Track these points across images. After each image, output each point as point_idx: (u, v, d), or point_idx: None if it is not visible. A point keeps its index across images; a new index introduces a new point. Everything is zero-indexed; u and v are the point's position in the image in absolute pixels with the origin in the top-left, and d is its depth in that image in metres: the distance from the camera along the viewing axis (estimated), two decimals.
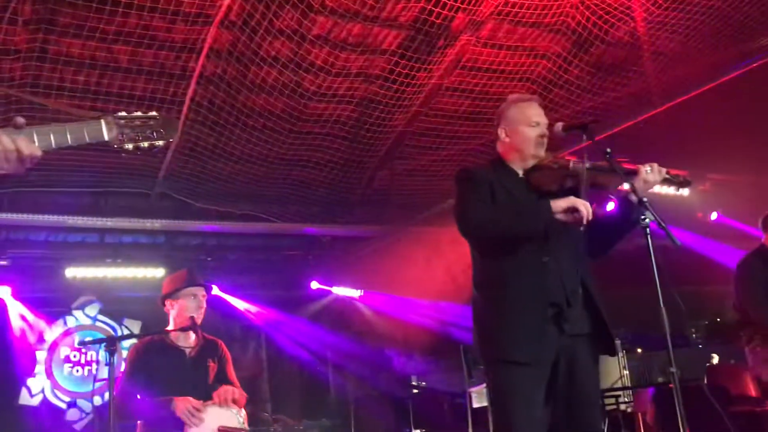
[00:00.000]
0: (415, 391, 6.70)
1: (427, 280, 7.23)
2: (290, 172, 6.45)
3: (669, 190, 2.66)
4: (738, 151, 6.61)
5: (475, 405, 4.96)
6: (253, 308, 7.67)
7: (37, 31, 4.61)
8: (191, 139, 5.75)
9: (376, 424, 6.66)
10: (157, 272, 7.01)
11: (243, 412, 3.34)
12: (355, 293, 7.99)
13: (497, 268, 2.58)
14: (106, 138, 1.82)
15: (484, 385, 4.81)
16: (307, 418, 7.11)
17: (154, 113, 1.89)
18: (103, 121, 1.82)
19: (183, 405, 3.16)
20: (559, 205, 2.47)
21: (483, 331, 2.59)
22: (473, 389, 5.01)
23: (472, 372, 5.21)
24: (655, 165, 2.62)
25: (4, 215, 5.89)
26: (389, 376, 8.07)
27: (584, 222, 2.43)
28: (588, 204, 2.45)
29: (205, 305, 3.58)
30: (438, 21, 5.04)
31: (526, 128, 2.68)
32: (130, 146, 1.85)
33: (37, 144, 1.73)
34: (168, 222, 6.44)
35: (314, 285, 7.95)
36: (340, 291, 8.00)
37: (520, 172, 2.71)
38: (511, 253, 2.54)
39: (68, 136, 1.76)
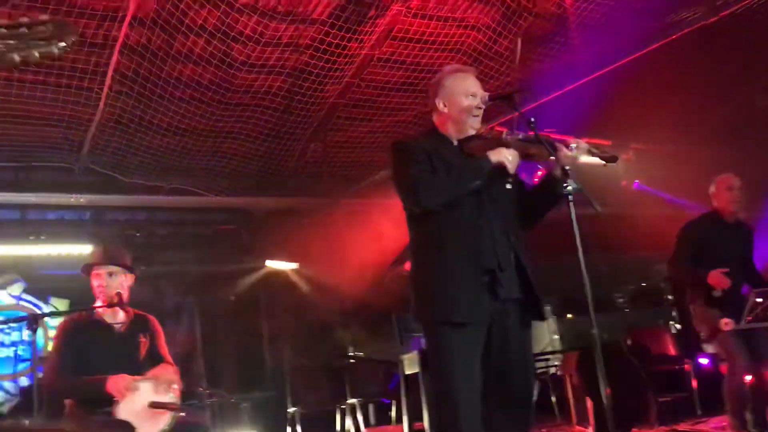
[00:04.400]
0: (352, 360, 6.75)
1: (361, 251, 7.26)
2: (221, 145, 6.34)
3: (594, 160, 2.75)
4: (658, 122, 6.86)
5: (408, 371, 5.04)
6: (185, 283, 7.54)
7: None
8: (116, 111, 5.57)
9: (312, 395, 6.70)
10: (84, 249, 6.78)
11: (174, 387, 3.31)
12: (289, 266, 7.95)
13: (433, 232, 2.64)
14: None
15: (416, 351, 4.90)
16: (242, 392, 7.09)
17: (44, 17, 1.62)
18: None
19: (116, 383, 3.10)
20: (493, 158, 2.62)
21: (420, 294, 2.65)
22: (405, 356, 5.09)
23: (404, 339, 5.29)
24: (581, 141, 2.71)
25: None
26: (326, 348, 8.11)
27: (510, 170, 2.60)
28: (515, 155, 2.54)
29: (124, 283, 3.49)
30: None
31: (464, 99, 2.74)
32: (15, 57, 1.59)
33: None
34: (94, 197, 6.24)
35: (248, 259, 7.86)
36: (275, 264, 7.95)
37: (455, 141, 2.76)
38: (447, 217, 2.60)
39: None
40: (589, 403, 5.07)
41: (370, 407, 6.30)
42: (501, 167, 2.59)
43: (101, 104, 5.38)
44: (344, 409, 6.27)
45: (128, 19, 4.79)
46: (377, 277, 6.88)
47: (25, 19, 1.59)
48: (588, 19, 5.56)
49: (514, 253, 2.64)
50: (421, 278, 2.66)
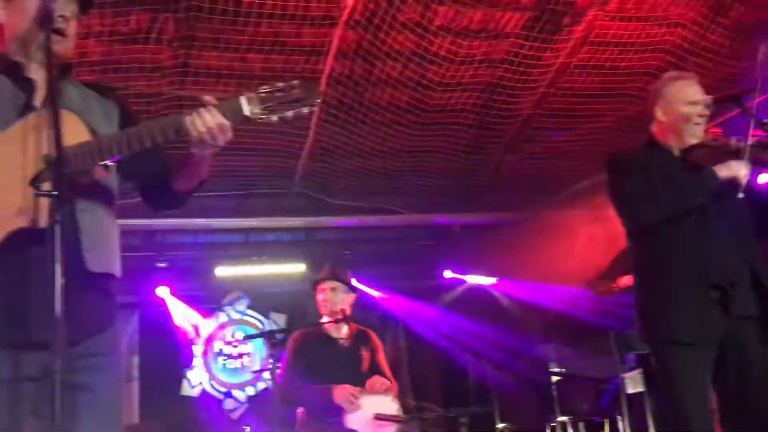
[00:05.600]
0: (558, 377, 6.58)
1: (562, 264, 7.07)
2: (418, 164, 6.53)
3: None
4: None
5: (629, 391, 4.83)
6: (389, 298, 7.85)
7: (179, 47, 4.94)
8: (323, 139, 5.96)
9: (519, 411, 6.62)
10: (299, 267, 7.33)
11: (395, 400, 3.45)
12: (489, 281, 7.96)
13: (655, 248, 2.54)
14: (247, 113, 1.81)
15: (640, 370, 4.67)
16: (448, 406, 7.15)
17: (295, 81, 1.84)
18: (242, 98, 1.83)
19: (342, 392, 3.32)
20: (722, 174, 2.45)
21: (645, 313, 2.55)
22: (627, 375, 4.87)
23: (624, 357, 5.07)
24: None
25: (160, 221, 6.39)
26: (528, 363, 7.98)
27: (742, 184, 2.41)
28: (747, 169, 2.38)
29: (346, 299, 3.72)
30: None
31: (685, 107, 2.60)
32: (274, 118, 1.84)
33: None
34: (307, 219, 6.73)
35: (447, 274, 8.00)
36: (474, 279, 8.00)
37: (676, 152, 2.62)
38: (669, 232, 2.49)
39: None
40: None
41: (580, 426, 6.09)
42: (731, 182, 2.40)
43: (311, 133, 5.79)
44: (554, 426, 6.13)
45: (332, 52, 5.12)
46: (583, 292, 6.65)
47: (280, 84, 1.82)
48: None
49: (750, 267, 2.44)
50: (644, 296, 2.56)
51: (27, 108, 1.83)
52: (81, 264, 1.77)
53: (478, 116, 6.02)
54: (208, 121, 1.78)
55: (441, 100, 5.78)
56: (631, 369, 4.87)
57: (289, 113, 1.82)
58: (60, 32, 1.83)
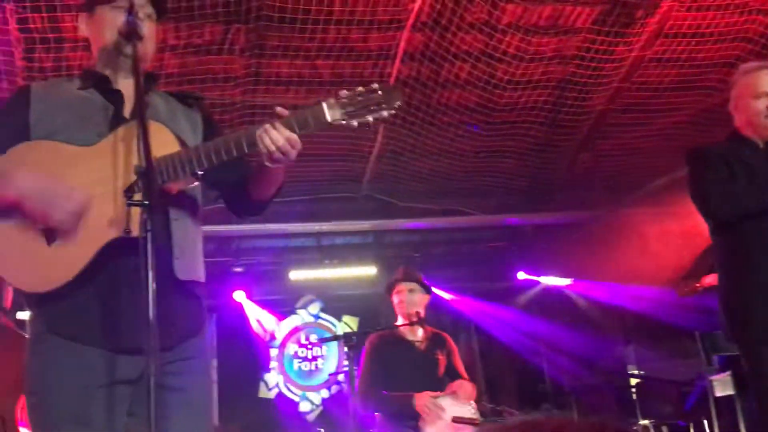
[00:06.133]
0: (638, 380, 6.38)
1: (640, 264, 6.87)
2: (488, 164, 6.47)
3: None
4: None
5: (718, 394, 4.64)
6: (461, 300, 7.79)
7: (251, 57, 5.05)
8: (391, 142, 5.97)
9: (599, 414, 6.45)
10: (369, 270, 7.37)
11: (473, 402, 3.43)
12: (564, 282, 7.80)
13: (739, 244, 2.43)
14: (329, 119, 1.82)
15: (729, 372, 4.48)
16: (523, 408, 7.05)
17: (375, 85, 1.84)
18: (324, 104, 1.83)
19: (424, 401, 3.31)
20: None
21: (731, 312, 2.45)
22: (715, 377, 4.67)
23: (710, 359, 4.88)
24: None
25: (235, 227, 6.54)
26: (606, 365, 7.78)
27: None
28: None
29: (422, 301, 3.72)
30: None
31: (754, 101, 2.50)
32: (354, 123, 1.84)
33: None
34: (376, 222, 6.76)
35: (521, 275, 7.89)
36: (549, 280, 7.86)
37: (761, 144, 2.52)
38: (754, 227, 2.38)
39: (295, 126, 1.82)
40: None
41: (664, 429, 5.88)
42: None
43: (379, 137, 5.82)
44: (636, 430, 5.94)
45: (399, 55, 5.13)
46: (664, 292, 6.43)
47: (360, 88, 1.81)
48: None
49: None
50: (730, 294, 2.45)
51: (117, 120, 1.90)
52: (170, 272, 1.83)
53: (549, 114, 5.92)
54: (275, 138, 1.80)
55: (511, 98, 5.70)
56: (720, 371, 4.67)
57: (369, 118, 1.82)
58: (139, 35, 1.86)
